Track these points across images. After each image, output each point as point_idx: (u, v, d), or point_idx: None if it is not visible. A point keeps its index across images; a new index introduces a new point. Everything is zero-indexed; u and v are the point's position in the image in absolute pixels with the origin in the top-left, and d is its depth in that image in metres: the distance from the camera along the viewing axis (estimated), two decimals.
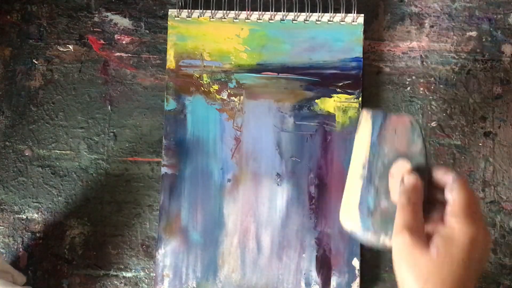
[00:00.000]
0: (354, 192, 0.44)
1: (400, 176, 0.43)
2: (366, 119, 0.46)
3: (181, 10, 0.59)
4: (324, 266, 0.55)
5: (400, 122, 0.45)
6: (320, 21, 0.58)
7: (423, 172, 0.43)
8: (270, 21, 0.59)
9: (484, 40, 0.59)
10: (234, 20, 0.59)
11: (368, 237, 0.43)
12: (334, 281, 0.55)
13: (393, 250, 0.41)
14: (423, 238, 0.40)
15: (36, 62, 0.60)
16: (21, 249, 0.57)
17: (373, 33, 0.59)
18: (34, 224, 0.57)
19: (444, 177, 0.43)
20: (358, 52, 0.58)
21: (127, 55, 0.59)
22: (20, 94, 0.59)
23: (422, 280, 0.39)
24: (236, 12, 0.58)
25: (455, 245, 0.39)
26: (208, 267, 0.56)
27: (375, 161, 0.44)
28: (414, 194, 0.42)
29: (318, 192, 0.56)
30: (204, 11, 0.58)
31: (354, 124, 0.57)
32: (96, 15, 0.60)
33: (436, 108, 0.58)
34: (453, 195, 0.41)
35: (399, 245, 0.40)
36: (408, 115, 0.46)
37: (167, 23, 0.59)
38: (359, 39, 0.58)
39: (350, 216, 0.44)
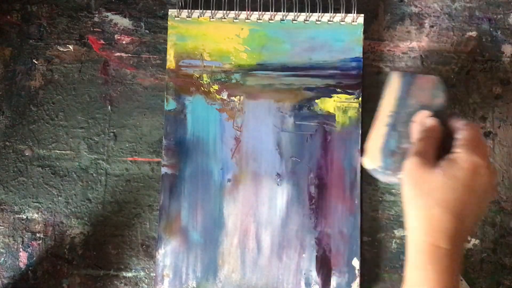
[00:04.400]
0: (379, 137, 0.50)
1: (421, 121, 0.48)
2: (394, 79, 0.52)
3: (181, 10, 0.59)
4: (324, 266, 0.55)
5: (426, 81, 0.51)
6: (320, 21, 0.58)
7: (442, 118, 0.48)
8: (270, 21, 0.59)
9: (484, 40, 0.59)
10: (234, 20, 0.59)
11: (387, 175, 0.50)
12: (334, 281, 0.55)
13: (404, 172, 0.45)
14: (432, 162, 0.45)
15: (36, 62, 0.60)
16: (21, 249, 0.57)
17: (373, 33, 0.59)
18: (34, 224, 0.57)
19: (458, 123, 0.47)
20: (358, 52, 0.58)
21: (127, 55, 0.59)
22: (20, 94, 0.59)
23: (426, 194, 0.43)
24: (236, 12, 0.58)
25: (459, 168, 0.44)
26: (208, 267, 0.56)
27: (400, 111, 0.50)
28: (431, 132, 0.47)
29: (318, 192, 0.56)
30: (204, 11, 0.58)
31: (354, 124, 0.57)
32: (96, 15, 0.60)
33: None
34: (461, 134, 0.46)
35: (409, 166, 0.45)
36: (434, 76, 0.51)
37: (167, 23, 0.59)
38: (359, 39, 0.58)
39: (372, 157, 0.50)
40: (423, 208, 0.43)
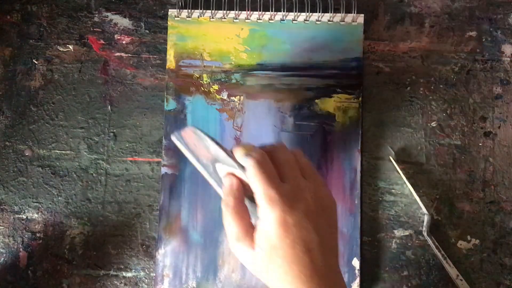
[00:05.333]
0: None
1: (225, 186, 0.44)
2: (175, 141, 0.46)
3: (181, 10, 0.59)
4: None
5: (188, 136, 0.45)
6: (320, 21, 0.58)
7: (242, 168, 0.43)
8: (270, 21, 0.59)
9: (484, 40, 0.59)
10: (234, 20, 0.59)
11: None
12: None
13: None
14: (251, 239, 0.41)
15: (36, 62, 0.60)
16: (21, 249, 0.57)
17: (373, 33, 0.59)
18: (34, 224, 0.57)
19: (242, 161, 0.42)
20: (358, 52, 0.58)
21: (127, 55, 0.59)
22: (20, 94, 0.59)
23: (263, 277, 0.41)
24: (236, 12, 0.58)
25: (270, 236, 0.40)
26: (208, 267, 0.56)
27: (207, 171, 0.45)
28: (232, 194, 0.42)
29: None
30: (204, 11, 0.58)
31: (354, 124, 0.57)
32: (96, 15, 0.60)
33: (436, 108, 0.58)
34: (249, 183, 0.42)
35: (237, 253, 0.42)
36: (190, 127, 0.45)
37: (167, 23, 0.59)
38: (359, 39, 0.58)
39: None
40: None
